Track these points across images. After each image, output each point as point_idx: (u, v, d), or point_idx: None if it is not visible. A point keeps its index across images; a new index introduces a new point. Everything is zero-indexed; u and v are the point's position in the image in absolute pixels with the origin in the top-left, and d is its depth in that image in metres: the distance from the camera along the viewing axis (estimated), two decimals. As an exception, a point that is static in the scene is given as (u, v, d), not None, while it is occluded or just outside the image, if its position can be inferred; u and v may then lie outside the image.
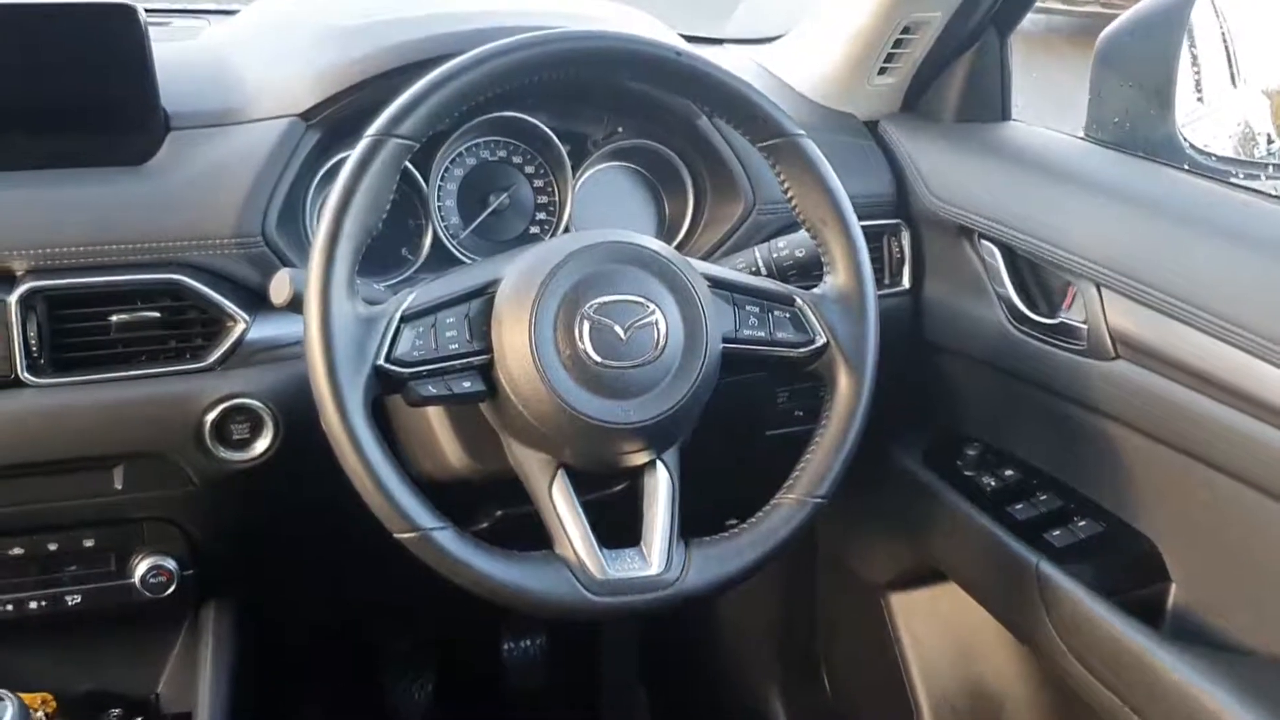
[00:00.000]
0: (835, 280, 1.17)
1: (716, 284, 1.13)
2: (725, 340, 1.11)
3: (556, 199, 1.42)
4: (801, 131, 1.15)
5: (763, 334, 1.14)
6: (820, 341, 1.14)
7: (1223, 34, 1.49)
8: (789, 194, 1.17)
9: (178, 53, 1.32)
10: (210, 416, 1.19)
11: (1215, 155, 1.34)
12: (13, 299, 1.13)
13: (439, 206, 1.38)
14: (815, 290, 1.17)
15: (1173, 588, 1.21)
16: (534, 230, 1.43)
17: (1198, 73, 1.44)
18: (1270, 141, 1.52)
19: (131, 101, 1.22)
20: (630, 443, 1.08)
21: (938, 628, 1.58)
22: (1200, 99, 1.38)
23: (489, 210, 1.40)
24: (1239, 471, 1.09)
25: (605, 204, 1.45)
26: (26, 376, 1.14)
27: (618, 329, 1.05)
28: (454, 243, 1.38)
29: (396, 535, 1.01)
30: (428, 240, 1.37)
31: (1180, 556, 1.20)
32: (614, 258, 1.08)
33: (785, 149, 1.15)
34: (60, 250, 1.16)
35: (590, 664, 1.97)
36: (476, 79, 1.06)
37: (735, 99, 1.15)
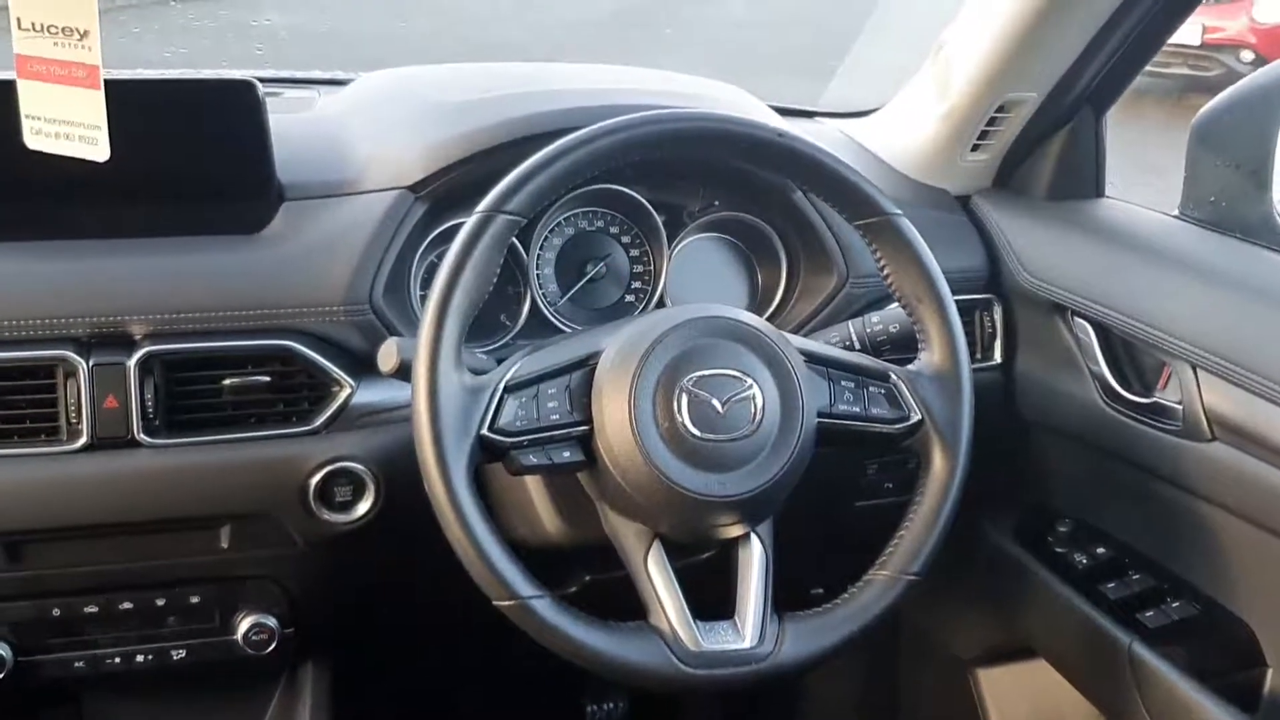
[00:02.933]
0: (931, 358, 1.18)
1: (812, 359, 1.15)
2: (820, 415, 1.12)
3: (652, 269, 1.45)
4: (898, 211, 1.17)
5: (858, 409, 1.15)
6: (915, 419, 1.15)
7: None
8: (885, 271, 1.19)
9: (292, 125, 1.36)
10: (315, 479, 1.23)
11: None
12: (132, 363, 1.18)
13: (538, 274, 1.41)
14: (910, 367, 1.18)
15: (1269, 673, 1.19)
16: (629, 299, 1.45)
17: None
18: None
19: (248, 173, 1.27)
20: (726, 515, 1.09)
21: (1025, 706, 1.56)
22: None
23: (586, 279, 1.43)
24: None
25: (699, 274, 1.47)
26: (142, 437, 1.19)
27: (715, 403, 1.07)
28: (551, 310, 1.41)
29: (496, 603, 1.03)
30: (526, 307, 1.40)
31: (1277, 641, 1.18)
32: (712, 332, 1.10)
33: (882, 228, 1.17)
34: (177, 316, 1.20)
35: None
36: (582, 157, 1.10)
37: (833, 179, 1.17)
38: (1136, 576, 1.32)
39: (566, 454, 1.08)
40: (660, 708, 1.93)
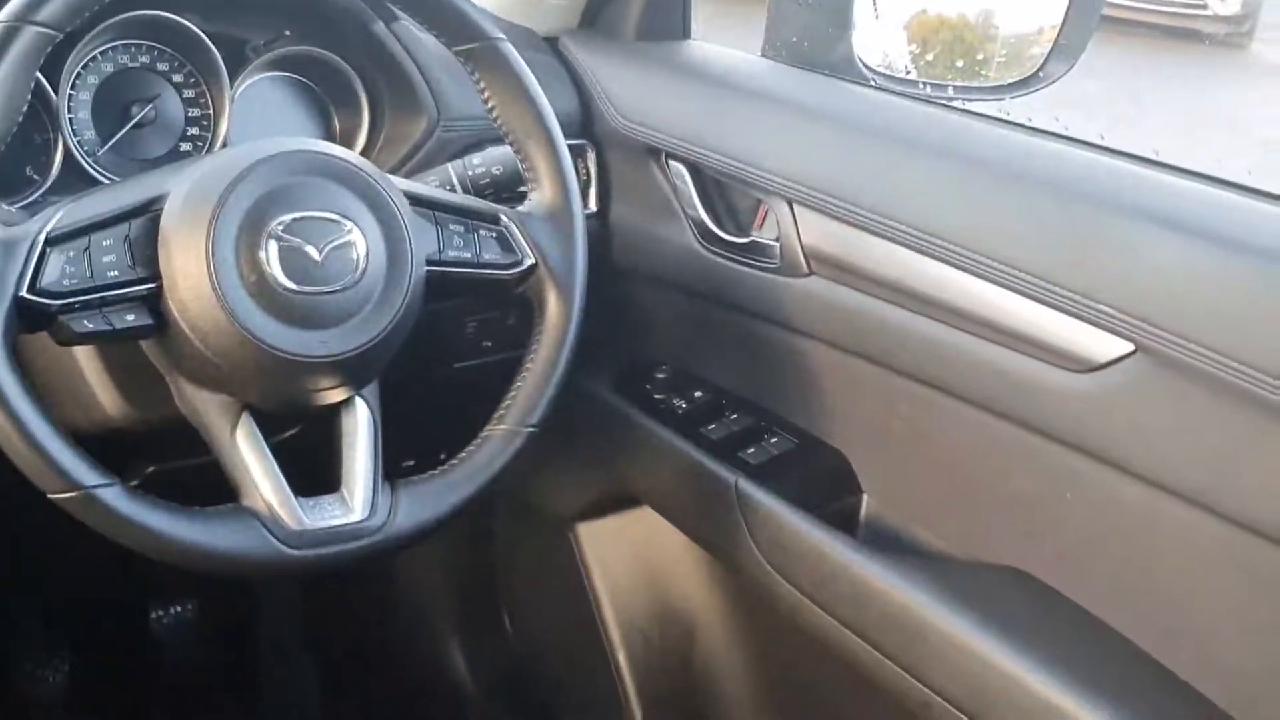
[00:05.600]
0: (541, 197, 1.11)
1: (417, 201, 1.04)
2: (430, 263, 1.03)
3: (210, 112, 1.27)
4: (502, 36, 1.08)
5: (469, 255, 1.06)
6: (529, 262, 1.08)
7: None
8: (489, 103, 1.10)
9: None
10: None
11: (891, 74, 1.37)
12: None
13: (71, 119, 1.20)
14: (521, 208, 1.11)
15: (866, 499, 1.24)
16: (185, 147, 1.27)
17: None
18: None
19: None
20: (327, 378, 0.98)
21: (628, 554, 1.57)
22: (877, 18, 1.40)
23: (132, 123, 1.23)
24: (931, 378, 1.12)
25: (266, 120, 1.31)
26: None
27: (311, 250, 0.95)
28: (89, 160, 1.21)
29: (53, 496, 0.87)
30: (58, 157, 1.19)
31: (871, 468, 1.24)
32: (304, 169, 0.97)
33: (485, 54, 1.08)
34: None
35: (249, 632, 1.83)
36: None
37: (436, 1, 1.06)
38: (735, 416, 1.34)
39: (130, 317, 0.92)
40: (236, 611, 1.80)
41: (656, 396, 1.40)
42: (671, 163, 1.34)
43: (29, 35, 0.89)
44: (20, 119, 0.90)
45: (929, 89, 1.31)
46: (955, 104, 1.26)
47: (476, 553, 1.76)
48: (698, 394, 1.38)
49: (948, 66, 1.37)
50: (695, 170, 1.32)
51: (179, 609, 1.77)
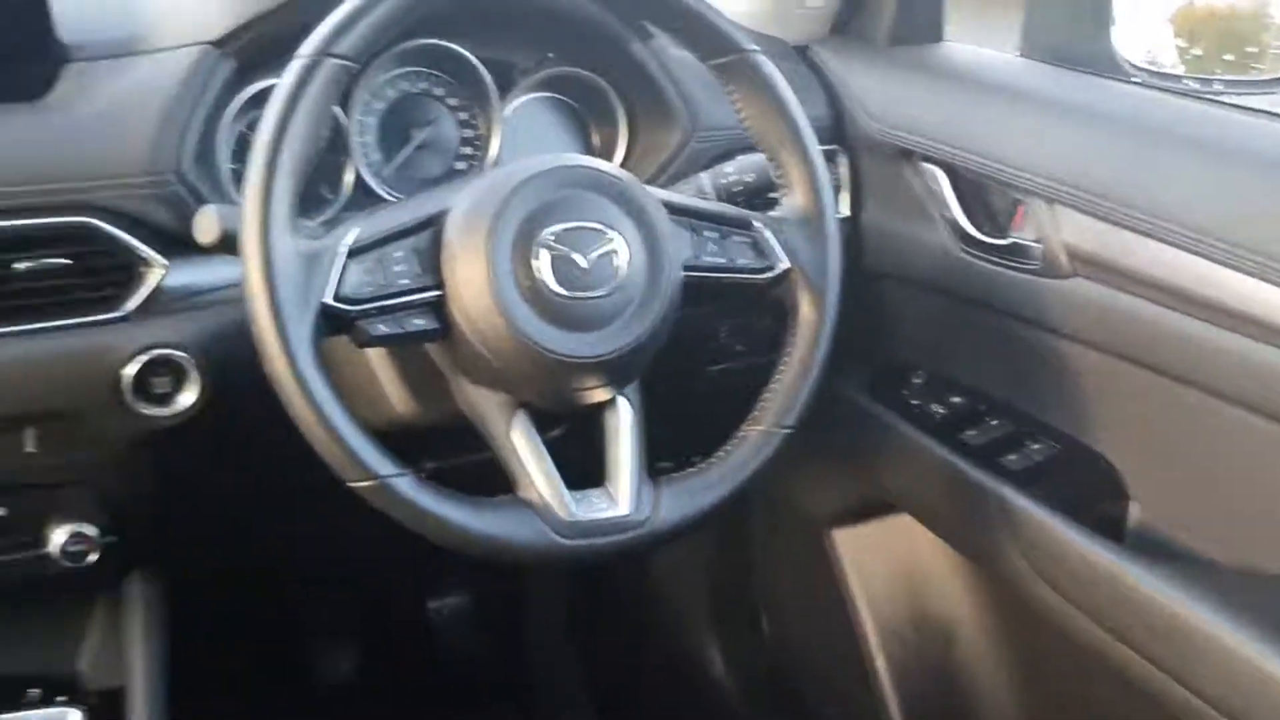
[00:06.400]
0: (793, 202, 1.13)
1: (674, 210, 1.08)
2: (686, 268, 1.07)
3: (483, 132, 1.35)
4: (756, 48, 1.11)
5: (723, 260, 1.09)
6: (783, 266, 1.10)
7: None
8: (742, 114, 1.13)
9: None
10: (129, 370, 1.10)
11: (1154, 69, 1.33)
12: None
13: (360, 142, 1.30)
14: (773, 213, 1.13)
15: (1133, 505, 1.20)
16: (459, 166, 1.35)
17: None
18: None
19: (23, 30, 1.13)
20: (593, 377, 1.02)
21: (885, 561, 1.57)
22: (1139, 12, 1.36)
23: (413, 145, 1.32)
24: (1202, 382, 1.08)
25: (531, 138, 1.38)
26: None
27: (578, 258, 1.00)
28: (377, 180, 1.31)
29: (352, 484, 0.94)
30: (349, 177, 1.29)
31: (1140, 473, 1.20)
32: (570, 183, 1.02)
33: (739, 66, 1.11)
34: None
35: (518, 622, 1.92)
36: None
37: (687, 14, 1.10)
38: (995, 422, 1.32)
39: (420, 322, 0.99)
40: (506, 602, 1.89)
41: (913, 401, 1.40)
42: (925, 165, 1.34)
43: (329, 68, 0.96)
44: (323, 146, 0.99)
45: (1194, 84, 1.27)
46: (1223, 99, 1.21)
47: (733, 553, 1.79)
48: (955, 399, 1.37)
49: (1216, 60, 1.32)
50: (951, 172, 1.32)
51: (454, 601, 1.87)
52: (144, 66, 1.16)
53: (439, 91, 1.34)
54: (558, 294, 0.99)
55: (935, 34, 1.47)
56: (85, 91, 1.13)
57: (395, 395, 1.12)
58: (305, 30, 0.99)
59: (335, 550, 1.52)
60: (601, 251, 1.01)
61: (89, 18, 1.18)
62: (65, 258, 1.09)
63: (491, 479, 1.02)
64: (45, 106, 1.12)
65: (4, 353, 1.07)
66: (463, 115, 1.35)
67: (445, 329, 1.00)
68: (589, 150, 1.41)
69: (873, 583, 1.59)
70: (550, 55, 1.36)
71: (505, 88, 1.35)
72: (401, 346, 1.07)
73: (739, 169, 1.24)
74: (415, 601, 1.86)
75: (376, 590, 1.81)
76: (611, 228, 1.02)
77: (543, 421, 1.04)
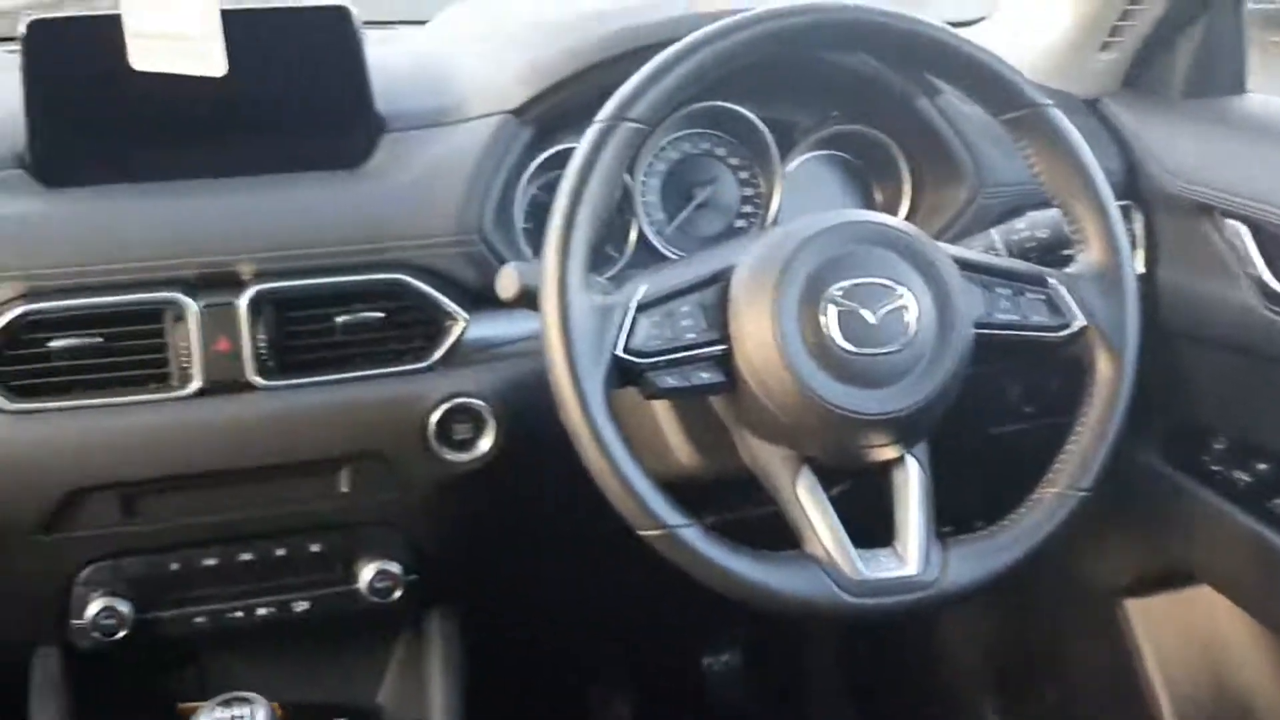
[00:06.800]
0: (1089, 258, 1.10)
1: (965, 266, 1.07)
2: (977, 325, 1.05)
3: (763, 191, 1.37)
4: (1049, 101, 1.09)
5: (1016, 317, 1.07)
6: (1079, 324, 1.07)
7: None
8: (1035, 168, 1.11)
9: (384, 56, 1.31)
10: (434, 417, 1.17)
11: None
12: (242, 302, 1.13)
13: (643, 202, 1.34)
14: (1069, 270, 1.10)
15: None
16: (739, 224, 1.38)
17: None
18: None
19: (347, 104, 1.22)
20: (881, 435, 1.02)
21: (1182, 633, 1.48)
22: None
23: (694, 204, 1.36)
24: None
25: (812, 195, 1.39)
26: (256, 380, 1.14)
27: (866, 314, 1.00)
28: (660, 239, 1.34)
29: (642, 533, 0.97)
30: (633, 236, 1.33)
31: None
32: (858, 238, 1.03)
33: (1032, 120, 1.09)
34: (285, 253, 1.15)
35: (793, 676, 1.90)
36: (711, 56, 1.02)
37: (978, 69, 1.09)
38: (1308, 491, 1.24)
39: (705, 375, 1.01)
40: (780, 658, 1.88)
41: (1214, 466, 1.33)
42: (1227, 221, 1.28)
43: (624, 131, 1.01)
44: (615, 206, 1.02)
45: None
46: None
47: (1018, 620, 1.73)
48: (1261, 465, 1.29)
49: None
50: (1255, 228, 1.25)
51: (729, 658, 1.87)
52: (452, 135, 1.23)
53: (720, 151, 1.37)
54: (845, 350, 0.99)
55: (1237, 85, 1.41)
56: (399, 159, 1.22)
57: (679, 447, 1.14)
58: (595, 98, 1.04)
59: (616, 599, 1.55)
60: (891, 307, 1.01)
61: (403, 92, 1.27)
62: (379, 312, 1.17)
63: (771, 533, 1.02)
64: (364, 173, 1.21)
65: (326, 398, 1.16)
66: (743, 174, 1.38)
67: (731, 382, 1.02)
68: (871, 207, 1.41)
69: (1169, 657, 1.50)
70: (834, 113, 1.37)
71: (786, 146, 1.37)
72: (687, 399, 1.09)
73: (1031, 225, 1.22)
74: (691, 656, 1.87)
75: (653, 643, 1.83)
76: (901, 283, 1.01)
77: (825, 478, 1.04)
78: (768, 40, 1.03)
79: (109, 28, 1.11)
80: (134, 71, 1.11)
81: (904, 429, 1.02)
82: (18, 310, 1.09)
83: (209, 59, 1.01)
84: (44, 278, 1.10)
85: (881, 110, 1.36)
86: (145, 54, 1.01)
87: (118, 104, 1.16)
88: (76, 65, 1.16)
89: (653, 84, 1.01)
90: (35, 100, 1.15)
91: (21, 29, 1.15)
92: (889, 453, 1.04)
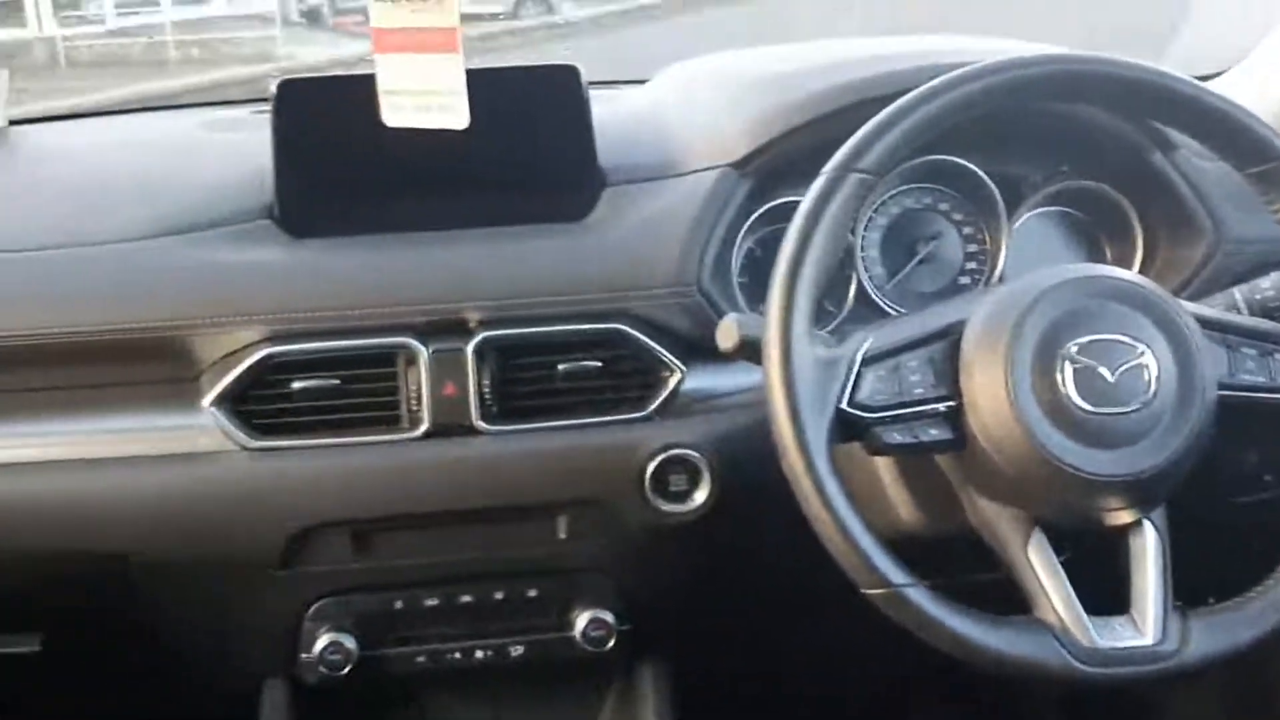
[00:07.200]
0: None
1: (1206, 323, 1.02)
2: (1221, 386, 1.00)
3: (988, 248, 1.34)
4: None
5: (1263, 379, 1.02)
6: None
7: None
8: None
9: (605, 113, 1.34)
10: (650, 466, 1.18)
11: None
12: (469, 349, 1.16)
13: (863, 256, 1.33)
14: None
15: None
16: (963, 281, 1.35)
17: None
18: None
19: (572, 160, 1.25)
20: (1118, 498, 0.98)
21: None
22: None
23: (916, 259, 1.34)
24: None
25: (1039, 253, 1.35)
26: (480, 424, 1.17)
27: (1104, 371, 0.96)
28: (879, 294, 1.33)
29: (865, 591, 0.95)
30: (852, 290, 1.32)
31: None
32: (1095, 293, 1.00)
33: None
34: (511, 302, 1.18)
35: None
36: (944, 107, 1.01)
37: (1222, 120, 1.05)
38: None
39: (934, 432, 0.99)
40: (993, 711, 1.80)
41: None
42: None
43: (852, 182, 1.00)
44: (842, 256, 1.02)
45: None
46: None
47: (1253, 696, 1.62)
48: None
49: None
50: None
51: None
52: (672, 189, 1.25)
53: (944, 206, 1.35)
54: (1082, 408, 0.96)
55: None
56: (621, 212, 1.24)
57: (902, 505, 1.12)
58: (817, 151, 1.04)
59: (829, 660, 1.52)
60: (1129, 365, 0.97)
61: (625, 147, 1.30)
62: (598, 361, 1.19)
63: (992, 599, 0.99)
64: (587, 226, 1.24)
65: (545, 444, 1.18)
66: (967, 230, 1.35)
67: (960, 440, 0.99)
68: (1101, 263, 1.36)
69: None
70: (1063, 168, 1.33)
71: (1013, 202, 1.34)
72: (914, 456, 1.07)
73: (1276, 284, 1.16)
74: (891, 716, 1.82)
75: (859, 709, 1.79)
76: (1140, 340, 0.98)
77: (1053, 543, 1.01)
78: (1002, 91, 1.01)
79: (354, 86, 1.17)
80: (375, 128, 1.17)
81: (1142, 492, 0.98)
82: (263, 352, 1.15)
83: (455, 112, 1.05)
84: (287, 322, 1.16)
85: (1113, 165, 1.31)
86: (396, 110, 1.07)
87: (359, 159, 1.22)
88: (321, 122, 1.22)
89: (882, 135, 1.01)
90: (283, 155, 1.22)
91: (272, 89, 1.22)
92: (1125, 516, 0.99)
